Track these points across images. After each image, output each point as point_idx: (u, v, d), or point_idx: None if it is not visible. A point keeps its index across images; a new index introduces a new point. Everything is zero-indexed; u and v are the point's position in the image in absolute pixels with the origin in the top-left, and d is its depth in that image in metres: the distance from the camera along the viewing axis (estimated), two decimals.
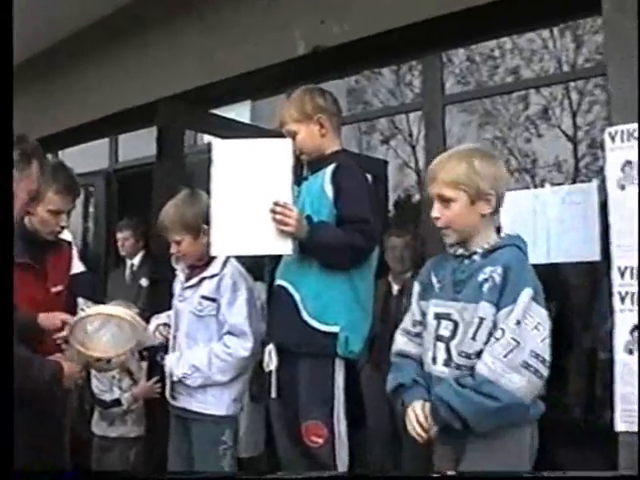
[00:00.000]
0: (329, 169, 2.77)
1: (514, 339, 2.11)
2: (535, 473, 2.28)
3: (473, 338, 2.18)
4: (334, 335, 2.69)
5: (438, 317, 2.30)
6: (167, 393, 3.04)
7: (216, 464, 2.93)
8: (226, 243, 2.67)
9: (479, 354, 2.16)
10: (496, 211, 2.35)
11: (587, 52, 4.33)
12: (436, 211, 2.33)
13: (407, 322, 2.48)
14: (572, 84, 5.05)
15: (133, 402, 3.92)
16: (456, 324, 2.24)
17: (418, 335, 2.41)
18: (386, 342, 2.96)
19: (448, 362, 2.24)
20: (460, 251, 2.34)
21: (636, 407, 2.88)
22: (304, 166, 2.93)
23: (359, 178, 2.79)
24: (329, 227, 2.69)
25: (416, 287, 2.48)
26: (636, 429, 2.85)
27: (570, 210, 3.31)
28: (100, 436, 4.00)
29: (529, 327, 2.12)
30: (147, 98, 4.84)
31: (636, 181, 2.99)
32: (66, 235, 3.39)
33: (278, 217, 2.57)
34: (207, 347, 2.97)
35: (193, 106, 4.52)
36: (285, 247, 2.64)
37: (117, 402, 3.91)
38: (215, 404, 2.98)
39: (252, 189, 2.62)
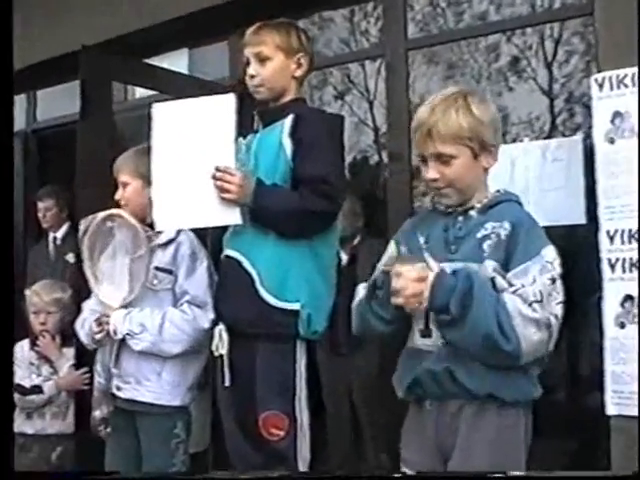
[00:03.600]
0: (288, 120, 2.64)
1: (541, 292, 2.03)
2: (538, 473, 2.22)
3: None
4: (295, 313, 2.59)
5: None
6: (111, 384, 2.89)
7: (168, 461, 2.85)
8: (171, 216, 2.64)
9: None
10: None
11: None
12: (434, 171, 2.18)
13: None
14: (547, 32, 4.97)
15: (55, 392, 3.77)
16: None
17: None
18: (344, 319, 2.85)
19: None
20: (453, 207, 2.22)
21: (629, 388, 2.84)
22: (254, 118, 2.81)
23: (323, 132, 2.65)
24: (278, 191, 2.58)
25: (392, 248, 2.35)
26: (630, 412, 2.81)
27: (552, 167, 3.25)
28: (16, 433, 3.75)
29: (552, 287, 2.05)
30: (69, 47, 4.64)
31: (627, 134, 2.93)
32: None
33: (219, 183, 2.51)
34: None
35: (121, 55, 4.35)
36: (233, 217, 2.56)
37: (37, 388, 3.77)
38: (170, 393, 2.88)
39: (195, 155, 2.57)
